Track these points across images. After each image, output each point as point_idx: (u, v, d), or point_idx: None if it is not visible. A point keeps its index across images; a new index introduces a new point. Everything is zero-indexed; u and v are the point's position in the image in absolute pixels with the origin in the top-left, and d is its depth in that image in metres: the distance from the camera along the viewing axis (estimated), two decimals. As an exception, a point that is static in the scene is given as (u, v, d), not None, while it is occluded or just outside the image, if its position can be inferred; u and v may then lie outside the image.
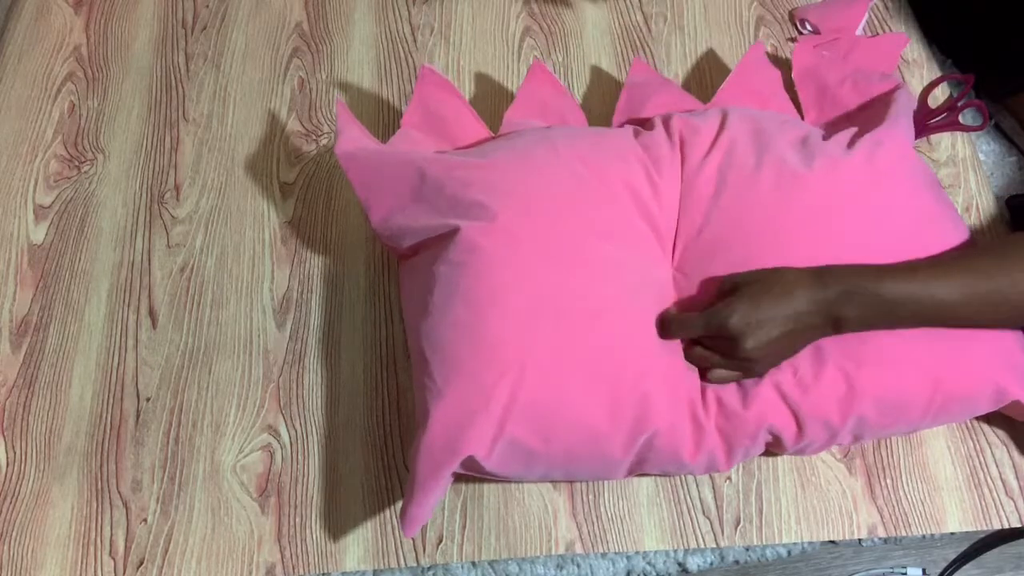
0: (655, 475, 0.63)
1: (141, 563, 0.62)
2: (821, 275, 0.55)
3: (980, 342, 0.58)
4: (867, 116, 0.69)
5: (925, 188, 0.63)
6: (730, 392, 0.57)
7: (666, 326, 0.57)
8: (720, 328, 0.54)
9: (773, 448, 0.60)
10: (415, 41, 0.84)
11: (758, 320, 0.53)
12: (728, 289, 0.57)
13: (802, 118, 0.75)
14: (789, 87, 0.77)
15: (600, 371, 0.54)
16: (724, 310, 0.54)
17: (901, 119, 0.65)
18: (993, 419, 0.66)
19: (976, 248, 0.60)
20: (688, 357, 0.58)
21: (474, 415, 0.52)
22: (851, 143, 0.62)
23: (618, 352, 0.55)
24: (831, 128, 0.72)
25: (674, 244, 0.62)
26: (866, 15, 0.85)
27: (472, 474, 0.55)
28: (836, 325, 0.55)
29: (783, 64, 0.82)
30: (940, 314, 0.55)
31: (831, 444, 0.60)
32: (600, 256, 0.58)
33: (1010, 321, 0.58)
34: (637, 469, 0.58)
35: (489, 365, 0.53)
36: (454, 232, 0.58)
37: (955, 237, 0.61)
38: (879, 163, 0.61)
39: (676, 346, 0.58)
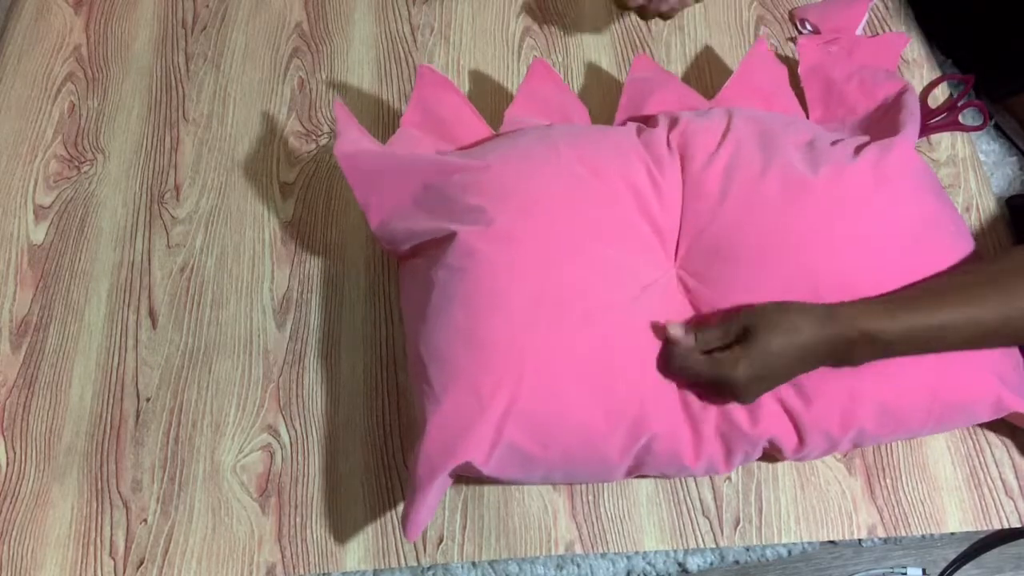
0: (654, 477, 0.63)
1: (141, 563, 0.62)
2: (826, 319, 0.53)
3: (979, 353, 0.58)
4: (881, 126, 0.69)
5: (929, 193, 0.63)
6: (742, 417, 0.57)
7: (670, 354, 0.56)
8: (722, 382, 0.53)
9: (772, 454, 0.60)
10: (415, 41, 0.84)
11: (760, 376, 0.53)
12: (738, 330, 0.54)
13: (807, 116, 0.75)
14: (792, 84, 0.77)
15: (597, 376, 0.54)
16: (728, 365, 0.53)
17: (910, 126, 0.65)
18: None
19: (978, 271, 0.59)
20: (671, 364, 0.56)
21: (471, 421, 0.51)
22: (858, 149, 0.62)
23: (616, 357, 0.55)
24: (840, 128, 0.72)
25: (677, 243, 0.62)
26: (866, 15, 0.85)
27: (472, 475, 0.55)
28: (839, 364, 0.55)
29: (785, 63, 0.82)
30: (947, 347, 0.55)
31: (831, 452, 0.60)
32: (599, 259, 0.57)
33: (1016, 342, 0.58)
34: (636, 471, 0.58)
35: (486, 371, 0.53)
36: (451, 237, 0.57)
37: (958, 242, 0.61)
38: (884, 168, 0.61)
39: None
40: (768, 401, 0.56)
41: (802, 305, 0.54)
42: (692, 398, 0.57)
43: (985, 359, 0.58)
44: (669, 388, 0.56)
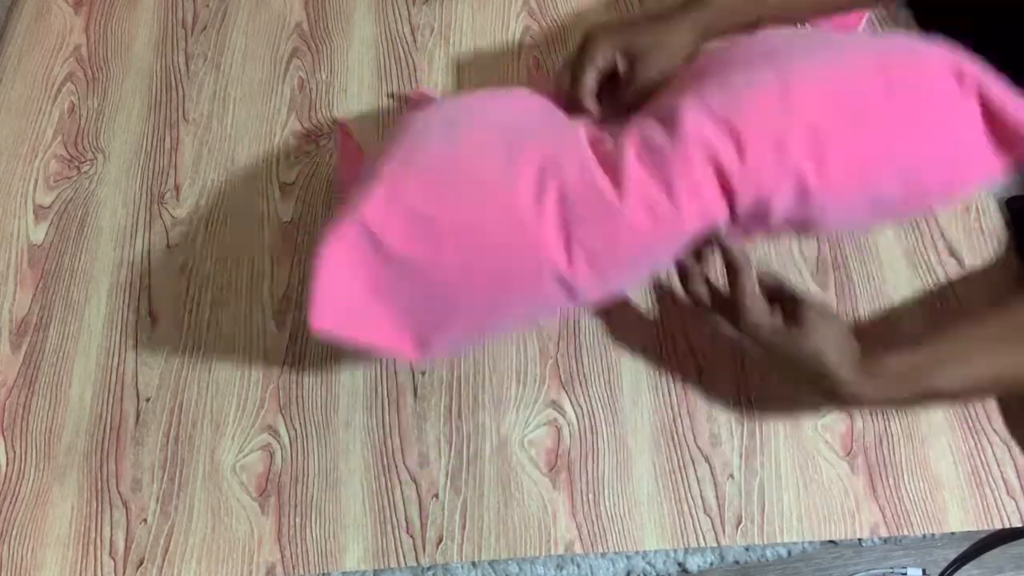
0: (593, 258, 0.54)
1: (141, 563, 0.61)
2: (862, 368, 0.55)
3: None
4: None
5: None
6: (656, 135, 0.54)
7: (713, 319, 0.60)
8: (758, 339, 0.57)
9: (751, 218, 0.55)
10: (415, 41, 0.84)
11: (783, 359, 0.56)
12: (790, 299, 0.58)
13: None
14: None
15: (496, 139, 0.55)
16: (781, 334, 0.56)
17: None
18: (994, 417, 0.66)
19: (989, 323, 0.58)
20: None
21: (369, 182, 0.54)
22: None
23: (516, 126, 0.56)
24: None
25: None
26: (866, 16, 0.85)
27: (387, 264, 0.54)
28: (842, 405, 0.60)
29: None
30: (958, 400, 0.59)
31: (791, 185, 0.53)
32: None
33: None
34: (570, 246, 0.53)
35: (386, 157, 0.55)
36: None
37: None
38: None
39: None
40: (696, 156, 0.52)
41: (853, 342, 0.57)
42: (610, 156, 0.54)
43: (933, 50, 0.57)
44: (582, 148, 0.55)
